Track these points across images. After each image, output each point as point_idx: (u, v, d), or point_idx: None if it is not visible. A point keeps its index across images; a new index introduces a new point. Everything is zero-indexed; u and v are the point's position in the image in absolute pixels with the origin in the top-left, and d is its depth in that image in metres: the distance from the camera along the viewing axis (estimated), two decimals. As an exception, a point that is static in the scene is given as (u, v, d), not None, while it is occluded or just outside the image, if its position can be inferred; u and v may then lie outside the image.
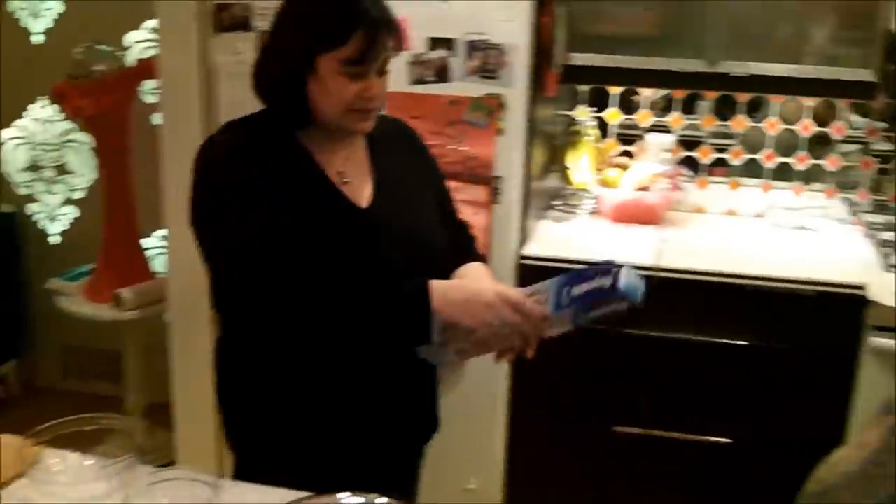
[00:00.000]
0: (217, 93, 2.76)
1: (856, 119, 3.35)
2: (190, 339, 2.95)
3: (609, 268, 1.65)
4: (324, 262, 1.73)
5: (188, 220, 1.78)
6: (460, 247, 2.03)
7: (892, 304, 2.64)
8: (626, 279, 1.63)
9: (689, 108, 3.41)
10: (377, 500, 1.49)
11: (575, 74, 3.01)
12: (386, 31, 1.73)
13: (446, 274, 1.91)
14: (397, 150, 1.96)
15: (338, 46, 1.69)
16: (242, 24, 2.64)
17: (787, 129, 3.36)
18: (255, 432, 1.90)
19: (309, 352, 1.79)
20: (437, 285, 1.70)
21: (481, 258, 2.06)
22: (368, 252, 1.78)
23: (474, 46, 2.64)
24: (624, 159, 3.41)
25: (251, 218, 1.70)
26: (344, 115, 1.75)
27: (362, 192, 1.84)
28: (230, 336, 1.91)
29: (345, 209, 1.80)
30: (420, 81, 2.66)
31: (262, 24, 2.60)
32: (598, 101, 3.45)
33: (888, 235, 3.11)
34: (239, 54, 2.64)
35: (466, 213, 2.72)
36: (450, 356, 1.77)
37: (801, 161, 3.38)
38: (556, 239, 3.03)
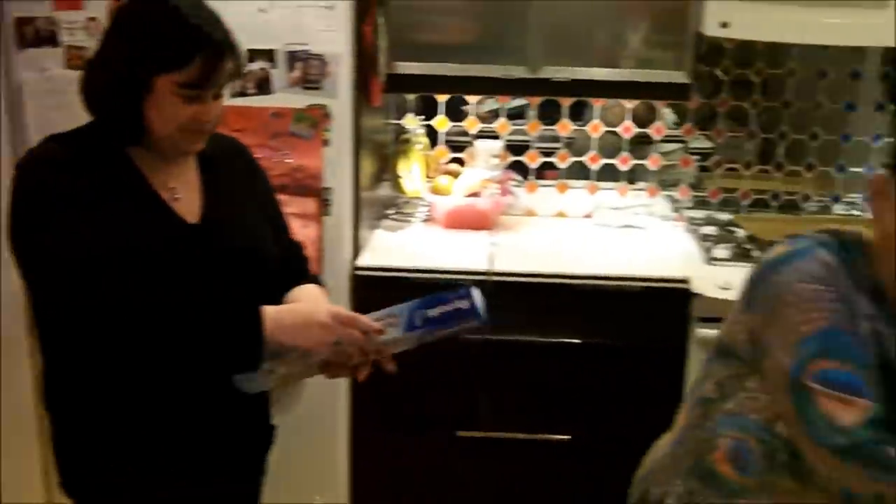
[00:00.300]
0: (24, 111, 2.60)
1: (670, 118, 3.48)
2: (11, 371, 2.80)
3: (466, 292, 1.71)
4: (153, 279, 1.67)
5: (5, 236, 1.68)
6: (293, 268, 2.01)
7: (715, 295, 2.75)
8: (479, 300, 1.71)
9: (518, 114, 3.46)
10: None
11: (400, 83, 3.01)
12: (227, 56, 1.70)
13: (279, 292, 1.89)
14: (229, 167, 1.92)
15: (178, 69, 1.64)
16: (48, 39, 2.50)
17: (609, 132, 3.45)
18: (91, 465, 1.81)
19: (137, 374, 1.72)
20: (269, 311, 1.67)
21: (315, 279, 2.04)
22: (198, 269, 1.74)
23: (295, 57, 2.61)
24: (454, 166, 3.44)
25: (77, 230, 1.62)
26: (177, 134, 1.71)
27: (193, 209, 1.80)
28: (55, 367, 1.81)
29: (174, 225, 1.75)
30: (241, 94, 2.60)
31: (70, 38, 2.49)
32: (427, 110, 3.47)
33: (709, 230, 3.24)
34: (45, 71, 2.50)
35: (296, 226, 2.69)
36: (271, 382, 1.75)
37: (624, 162, 3.48)
38: (390, 248, 3.03)
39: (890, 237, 1.43)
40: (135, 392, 1.74)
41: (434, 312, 1.71)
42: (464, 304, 1.70)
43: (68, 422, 1.82)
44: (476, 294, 1.72)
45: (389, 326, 1.72)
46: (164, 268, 1.70)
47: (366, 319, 1.71)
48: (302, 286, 1.95)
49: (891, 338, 1.43)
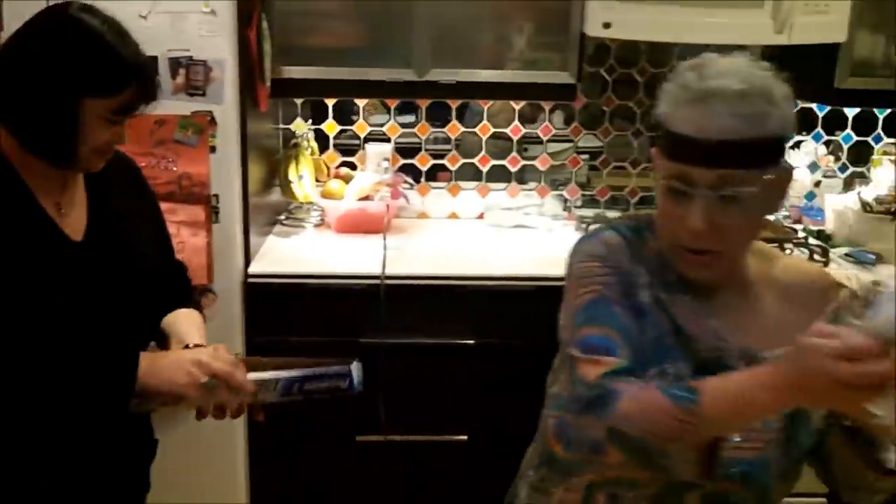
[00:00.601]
0: None
1: (557, 119, 3.53)
2: None
3: (346, 371, 1.76)
4: (36, 299, 1.63)
5: None
6: (175, 289, 1.99)
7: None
8: (357, 376, 1.77)
9: (408, 113, 3.47)
10: None
11: (287, 88, 2.98)
12: (151, 84, 1.71)
13: (160, 313, 1.89)
14: (117, 183, 1.88)
15: (110, 96, 1.63)
16: None
17: (498, 132, 3.48)
18: None
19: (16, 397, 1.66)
20: (144, 358, 1.68)
21: (196, 304, 2.03)
22: (82, 287, 1.70)
23: (178, 63, 2.56)
24: (345, 170, 3.43)
25: None
26: (90, 155, 1.68)
27: (78, 226, 1.76)
28: None
29: (58, 244, 1.71)
30: (123, 101, 2.54)
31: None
32: (316, 114, 3.45)
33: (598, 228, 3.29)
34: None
35: (185, 235, 2.66)
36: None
37: (513, 163, 3.52)
38: (282, 255, 3.00)
39: (661, 209, 1.51)
40: (16, 413, 1.69)
41: (311, 386, 1.75)
42: (342, 383, 1.77)
43: None
44: (356, 372, 1.77)
45: (264, 390, 1.73)
46: (48, 288, 1.65)
47: (241, 378, 1.69)
48: (180, 311, 1.93)
49: (673, 301, 1.50)
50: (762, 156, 1.41)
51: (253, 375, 1.72)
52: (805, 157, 3.58)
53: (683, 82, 1.44)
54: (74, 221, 1.75)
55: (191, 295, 2.04)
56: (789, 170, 1.48)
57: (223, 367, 1.67)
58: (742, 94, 1.38)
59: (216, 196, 2.69)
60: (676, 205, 1.44)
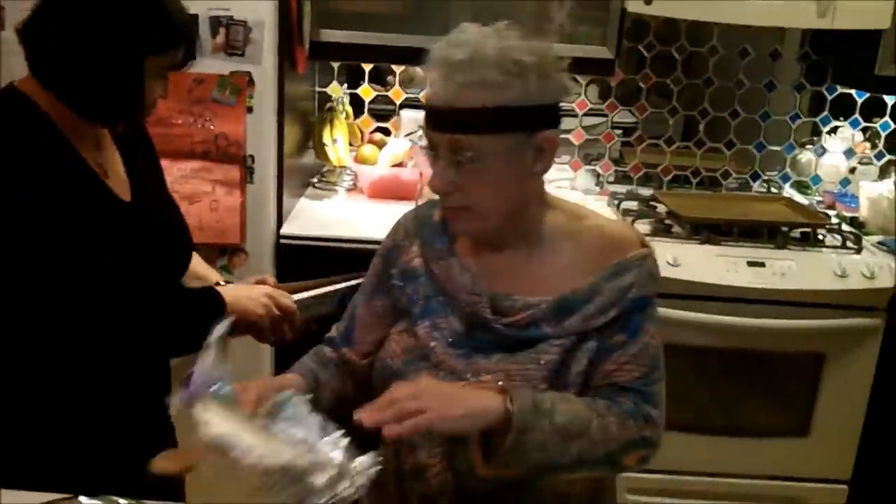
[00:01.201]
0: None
1: (591, 93, 3.52)
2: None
3: None
4: (96, 259, 1.67)
5: None
6: None
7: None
8: None
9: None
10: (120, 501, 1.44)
11: (324, 51, 2.99)
12: (194, 42, 1.81)
13: None
14: (141, 145, 1.93)
15: (166, 52, 1.69)
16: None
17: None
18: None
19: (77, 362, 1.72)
20: (223, 292, 1.84)
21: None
22: (135, 247, 1.75)
23: (218, 23, 2.57)
24: (379, 136, 3.44)
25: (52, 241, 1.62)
26: (146, 112, 1.75)
27: (123, 187, 1.79)
28: None
29: (111, 203, 1.74)
30: (162, 59, 2.56)
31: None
32: (352, 78, 3.45)
33: (631, 204, 3.29)
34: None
35: (220, 194, 2.68)
36: None
37: (548, 135, 3.51)
38: (314, 217, 3.02)
39: None
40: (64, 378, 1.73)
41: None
42: None
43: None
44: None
45: (319, 304, 1.99)
46: (108, 248, 1.69)
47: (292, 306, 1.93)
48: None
49: (438, 265, 1.61)
50: (493, 123, 1.43)
51: (309, 293, 1.99)
52: (841, 142, 3.55)
53: (432, 49, 1.47)
54: (118, 182, 1.79)
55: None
56: (551, 137, 1.49)
57: (288, 302, 1.92)
58: (465, 64, 1.41)
59: (251, 157, 2.70)
60: (430, 165, 1.52)
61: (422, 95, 3.40)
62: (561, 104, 1.52)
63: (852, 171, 3.57)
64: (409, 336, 1.60)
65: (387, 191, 3.21)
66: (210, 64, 2.59)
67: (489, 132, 1.44)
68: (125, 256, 1.72)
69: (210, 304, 1.79)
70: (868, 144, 3.57)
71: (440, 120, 1.47)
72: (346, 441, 1.36)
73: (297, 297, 1.96)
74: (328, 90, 3.36)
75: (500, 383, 1.45)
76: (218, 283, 1.96)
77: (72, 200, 1.67)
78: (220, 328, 1.47)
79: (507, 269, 1.57)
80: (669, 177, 3.59)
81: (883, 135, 3.57)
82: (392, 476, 1.61)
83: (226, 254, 2.77)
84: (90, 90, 1.67)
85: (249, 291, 1.90)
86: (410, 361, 1.58)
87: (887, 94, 3.47)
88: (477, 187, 1.48)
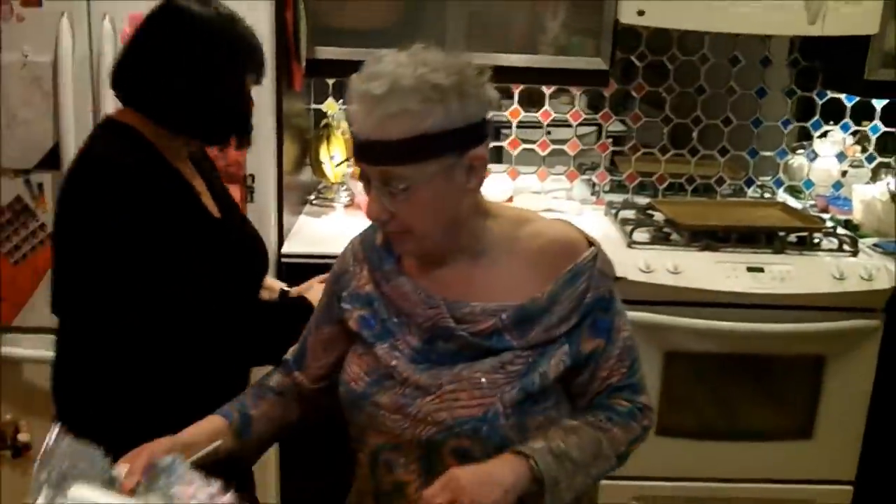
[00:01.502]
0: None
1: (583, 103, 3.54)
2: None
3: None
4: (202, 276, 1.81)
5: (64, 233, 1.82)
6: None
7: (637, 278, 2.82)
8: None
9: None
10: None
11: (320, 68, 3.00)
12: None
13: None
14: (207, 163, 2.07)
15: (258, 72, 1.92)
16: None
17: (528, 115, 3.50)
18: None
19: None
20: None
21: None
22: (225, 261, 1.89)
23: (217, 42, 2.58)
24: (376, 152, 3.43)
25: (148, 244, 1.74)
26: None
27: (210, 203, 1.93)
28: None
29: (206, 219, 1.89)
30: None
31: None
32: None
33: (628, 213, 3.31)
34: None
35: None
36: None
37: (542, 147, 3.53)
38: (314, 235, 3.03)
39: None
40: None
41: None
42: None
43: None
44: None
45: None
46: (207, 262, 1.84)
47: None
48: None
49: (388, 286, 1.60)
50: (419, 152, 1.42)
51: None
52: (832, 146, 3.58)
53: (350, 82, 1.46)
54: (208, 201, 1.93)
55: None
56: (480, 154, 1.48)
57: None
58: (384, 96, 1.40)
59: (252, 176, 2.71)
60: (365, 194, 1.52)
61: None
62: (487, 118, 1.50)
63: (844, 174, 3.60)
64: (369, 357, 1.59)
65: (385, 206, 3.21)
66: (209, 84, 2.59)
67: (416, 161, 1.43)
68: (223, 269, 1.86)
69: (306, 311, 1.82)
70: (859, 148, 3.60)
71: (367, 153, 1.46)
72: (227, 496, 1.40)
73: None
74: (323, 107, 3.37)
75: (514, 447, 1.46)
76: (282, 290, 2.14)
77: (184, 221, 1.82)
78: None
79: (457, 279, 1.57)
80: (664, 185, 3.61)
81: (873, 138, 3.60)
82: (371, 498, 1.62)
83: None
84: (210, 117, 1.84)
85: (311, 285, 2.07)
86: (375, 382, 1.56)
87: (876, 97, 3.50)
88: (412, 212, 1.47)
